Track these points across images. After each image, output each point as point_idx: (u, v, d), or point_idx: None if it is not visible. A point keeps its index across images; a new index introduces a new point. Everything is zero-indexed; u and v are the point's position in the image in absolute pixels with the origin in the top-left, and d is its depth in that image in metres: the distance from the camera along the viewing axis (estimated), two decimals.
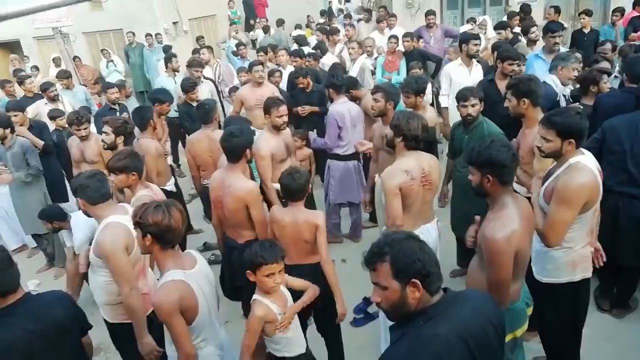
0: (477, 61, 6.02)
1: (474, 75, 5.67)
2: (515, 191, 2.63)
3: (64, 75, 7.75)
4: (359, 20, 11.01)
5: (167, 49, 8.59)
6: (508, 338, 2.37)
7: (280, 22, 12.73)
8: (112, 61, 10.26)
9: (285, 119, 4.23)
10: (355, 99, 5.15)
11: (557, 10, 8.29)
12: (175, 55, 7.67)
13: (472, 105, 3.76)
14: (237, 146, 3.28)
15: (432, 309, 1.66)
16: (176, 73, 7.51)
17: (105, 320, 3.06)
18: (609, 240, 2.77)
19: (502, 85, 4.73)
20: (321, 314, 3.24)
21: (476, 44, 5.69)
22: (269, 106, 4.19)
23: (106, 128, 4.28)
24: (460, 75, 5.74)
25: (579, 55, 4.73)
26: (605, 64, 4.39)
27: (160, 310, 2.24)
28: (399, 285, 1.64)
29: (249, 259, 2.51)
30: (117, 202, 3.28)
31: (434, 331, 1.61)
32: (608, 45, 5.47)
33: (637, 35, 7.05)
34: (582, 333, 2.99)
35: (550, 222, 2.58)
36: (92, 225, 4.00)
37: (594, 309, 3.61)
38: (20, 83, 7.22)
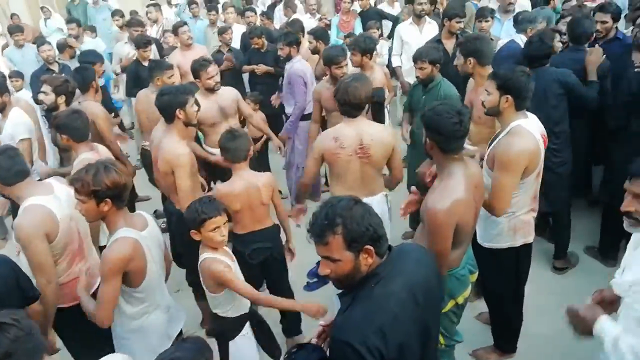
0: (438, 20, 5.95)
1: (425, 35, 5.57)
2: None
3: (17, 30, 7.16)
4: None
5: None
6: (450, 304, 2.39)
7: None
8: (49, 18, 9.59)
9: (217, 78, 4.09)
10: (316, 52, 5.03)
11: None
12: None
13: (420, 69, 3.76)
14: (166, 105, 3.13)
15: (381, 269, 1.64)
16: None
17: None
18: None
19: (448, 44, 4.75)
20: (276, 280, 3.24)
21: (421, 3, 5.59)
22: (196, 69, 4.06)
23: (45, 87, 3.93)
24: (410, 34, 5.67)
25: (544, 15, 4.78)
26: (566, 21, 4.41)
27: (108, 263, 2.19)
28: (351, 256, 1.59)
29: (190, 218, 2.45)
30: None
31: (386, 290, 1.61)
32: (573, 2, 5.47)
33: None
34: (526, 290, 3.09)
35: (494, 190, 2.55)
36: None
37: (537, 266, 3.72)
38: None
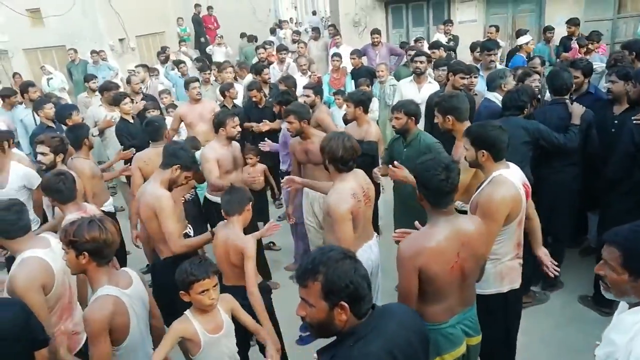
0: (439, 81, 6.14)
1: (423, 93, 5.75)
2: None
3: (6, 93, 7.29)
4: (309, 40, 11.15)
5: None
6: None
7: (251, 38, 12.86)
8: (52, 78, 9.86)
9: (239, 129, 4.36)
10: (313, 105, 5.09)
11: (497, 29, 8.71)
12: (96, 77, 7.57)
13: (396, 118, 3.88)
14: (176, 156, 3.25)
15: (360, 328, 1.63)
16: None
17: None
18: None
19: None
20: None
21: (416, 61, 5.86)
22: (224, 118, 4.30)
23: (42, 148, 3.97)
24: (409, 91, 5.89)
25: (507, 68, 4.98)
26: (535, 78, 4.61)
27: (91, 324, 2.14)
28: (326, 306, 1.60)
29: (180, 279, 2.43)
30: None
31: (365, 351, 1.59)
32: (537, 60, 5.73)
33: (569, 54, 7.46)
34: (519, 340, 3.06)
35: None
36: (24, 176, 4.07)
37: (529, 316, 3.69)
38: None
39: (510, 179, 2.66)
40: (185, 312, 2.49)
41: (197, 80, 6.27)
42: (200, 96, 6.00)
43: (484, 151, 2.66)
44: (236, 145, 4.50)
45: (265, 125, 5.66)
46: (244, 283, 2.96)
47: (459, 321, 2.39)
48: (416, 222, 2.59)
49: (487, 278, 2.75)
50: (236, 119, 4.34)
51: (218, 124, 4.30)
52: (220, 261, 3.01)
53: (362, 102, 4.40)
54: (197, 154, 4.38)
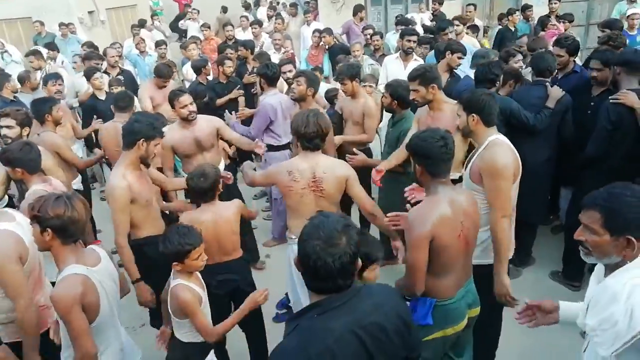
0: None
1: (409, 71, 5.68)
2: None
3: None
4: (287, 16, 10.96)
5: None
6: (438, 334, 2.36)
7: (256, 3, 12.68)
8: (6, 51, 9.38)
9: (191, 108, 4.01)
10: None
11: (475, 7, 8.70)
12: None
13: (384, 97, 3.95)
14: (134, 131, 3.07)
15: (326, 302, 1.58)
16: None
17: None
18: None
19: (444, 77, 4.85)
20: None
21: (410, 40, 5.78)
22: (171, 99, 4.08)
23: (8, 121, 3.82)
24: (395, 68, 5.85)
25: (494, 51, 5.02)
26: (519, 58, 4.64)
27: (60, 304, 2.07)
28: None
29: (174, 250, 2.43)
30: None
31: (327, 325, 1.54)
32: (525, 39, 5.75)
33: (548, 33, 7.49)
34: (490, 314, 3.07)
35: (493, 198, 2.63)
36: None
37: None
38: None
39: (507, 142, 2.72)
40: (177, 281, 2.49)
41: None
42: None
43: (474, 115, 2.69)
44: (204, 125, 4.13)
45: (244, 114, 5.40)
46: (233, 256, 3.07)
47: (463, 295, 2.43)
48: (407, 205, 2.59)
49: (486, 247, 2.75)
50: (182, 98, 3.99)
51: (170, 104, 4.13)
52: (208, 242, 2.88)
53: (356, 75, 4.35)
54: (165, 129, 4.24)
